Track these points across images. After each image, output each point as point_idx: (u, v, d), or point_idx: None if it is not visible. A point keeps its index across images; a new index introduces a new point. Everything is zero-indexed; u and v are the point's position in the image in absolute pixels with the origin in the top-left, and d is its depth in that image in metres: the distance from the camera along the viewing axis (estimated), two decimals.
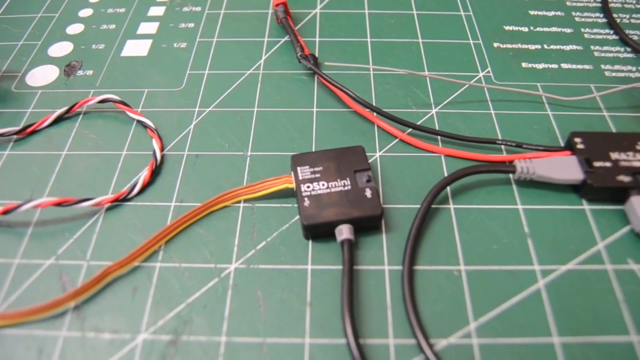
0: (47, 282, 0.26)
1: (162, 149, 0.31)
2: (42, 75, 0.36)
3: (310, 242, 0.27)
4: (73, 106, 0.33)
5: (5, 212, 0.27)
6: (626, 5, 0.42)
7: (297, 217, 0.28)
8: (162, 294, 0.26)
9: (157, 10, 0.42)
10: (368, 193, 0.27)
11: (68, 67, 0.37)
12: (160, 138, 0.32)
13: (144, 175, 0.30)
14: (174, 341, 0.24)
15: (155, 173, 0.30)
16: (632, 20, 0.41)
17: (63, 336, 0.24)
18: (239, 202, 0.29)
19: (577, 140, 0.30)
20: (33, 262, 0.27)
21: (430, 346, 0.23)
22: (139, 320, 0.25)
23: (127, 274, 0.26)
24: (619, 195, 0.29)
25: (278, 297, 0.25)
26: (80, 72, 0.37)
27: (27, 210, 0.28)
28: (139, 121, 0.33)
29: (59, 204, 0.28)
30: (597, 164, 0.29)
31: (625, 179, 0.29)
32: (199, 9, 0.42)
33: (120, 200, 0.29)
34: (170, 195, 0.29)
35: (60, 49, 0.39)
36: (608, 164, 0.29)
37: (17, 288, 0.26)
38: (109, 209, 0.29)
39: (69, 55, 0.38)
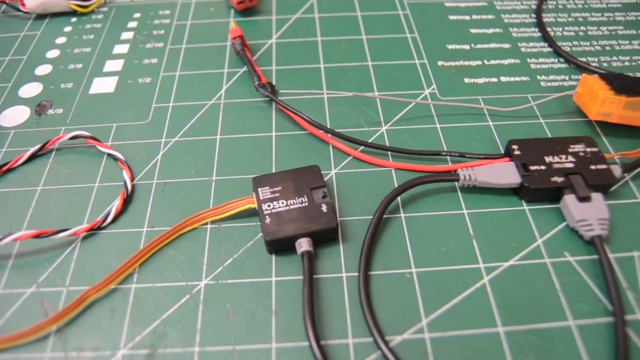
0: (29, 310, 0.28)
1: (132, 179, 0.34)
2: (14, 116, 0.38)
3: (273, 256, 0.30)
4: (45, 144, 0.35)
5: None
6: (559, 19, 0.46)
7: (261, 234, 0.30)
8: (138, 313, 0.28)
9: (121, 48, 0.44)
10: (324, 208, 0.30)
11: (39, 107, 0.39)
12: (130, 169, 0.34)
13: (116, 204, 0.32)
14: (151, 354, 0.26)
15: (127, 202, 0.33)
16: (565, 33, 0.44)
17: (47, 357, 0.26)
18: (206, 223, 0.31)
19: (514, 147, 0.33)
20: (15, 291, 0.29)
21: (386, 343, 0.26)
22: (118, 338, 0.27)
23: (105, 296, 0.28)
24: (554, 194, 0.32)
25: (246, 308, 0.28)
26: (50, 111, 0.39)
27: (7, 243, 0.29)
28: (109, 154, 0.35)
29: (37, 236, 0.30)
30: (532, 167, 0.32)
31: (558, 179, 0.31)
32: (161, 45, 0.44)
33: (95, 229, 0.31)
34: (142, 222, 0.32)
35: (31, 89, 0.41)
36: (543, 167, 0.32)
37: (0, 317, 0.28)
38: (85, 237, 0.31)
39: (39, 96, 0.40)
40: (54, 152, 0.36)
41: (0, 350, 0.26)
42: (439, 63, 0.42)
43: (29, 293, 0.29)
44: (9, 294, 0.29)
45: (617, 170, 0.32)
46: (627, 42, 0.43)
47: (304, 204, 0.30)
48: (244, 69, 0.41)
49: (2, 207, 0.33)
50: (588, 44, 0.43)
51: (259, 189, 0.31)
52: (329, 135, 0.35)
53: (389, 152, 0.35)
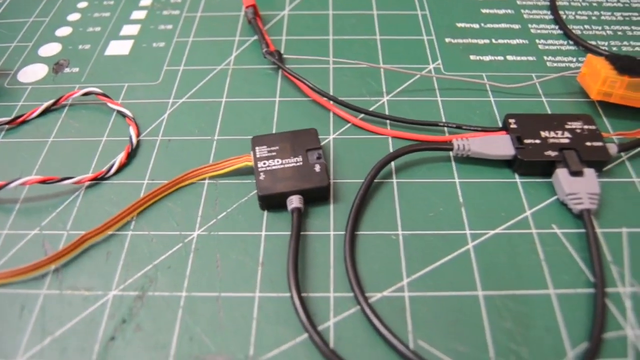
0: (31, 250, 0.29)
1: (138, 135, 0.35)
2: (33, 73, 0.40)
3: (265, 212, 0.31)
4: (59, 99, 0.37)
5: None
6: (573, 3, 0.46)
7: (255, 191, 0.31)
8: (132, 257, 0.29)
9: (139, 14, 0.46)
10: (317, 168, 0.31)
11: (56, 66, 0.41)
12: (137, 125, 0.35)
13: (120, 157, 0.33)
14: (140, 296, 0.27)
15: (132, 156, 0.34)
16: (577, 17, 0.44)
17: (43, 294, 0.28)
18: (204, 179, 0.32)
19: (511, 121, 0.33)
20: (19, 232, 0.30)
21: (365, 298, 0.27)
22: (111, 280, 0.28)
23: (103, 241, 0.30)
24: (548, 169, 0.32)
25: (234, 258, 0.29)
26: (67, 70, 0.40)
27: (16, 187, 0.31)
28: (118, 111, 0.37)
29: (43, 182, 0.31)
30: (527, 141, 0.32)
31: (552, 153, 0.32)
32: (177, 12, 0.46)
33: (99, 179, 0.33)
34: (143, 174, 0.33)
35: (50, 49, 0.43)
36: (537, 141, 0.32)
37: (4, 255, 0.29)
38: (89, 187, 0.32)
39: (58, 55, 0.42)
40: (67, 107, 0.37)
41: (0, 285, 0.28)
42: (447, 40, 0.42)
43: (32, 235, 0.30)
44: (14, 235, 0.30)
45: (612, 148, 0.32)
46: None
47: (298, 164, 0.31)
48: (255, 37, 0.42)
49: (14, 155, 0.34)
50: (600, 28, 0.43)
51: (257, 148, 0.32)
52: (331, 102, 0.36)
53: (388, 121, 0.35)
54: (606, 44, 0.41)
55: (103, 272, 0.28)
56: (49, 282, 0.28)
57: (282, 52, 0.41)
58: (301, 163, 0.31)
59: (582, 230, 0.30)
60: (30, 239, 0.30)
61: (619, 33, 0.43)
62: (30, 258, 0.29)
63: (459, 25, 0.43)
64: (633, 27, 0.43)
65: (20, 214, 0.31)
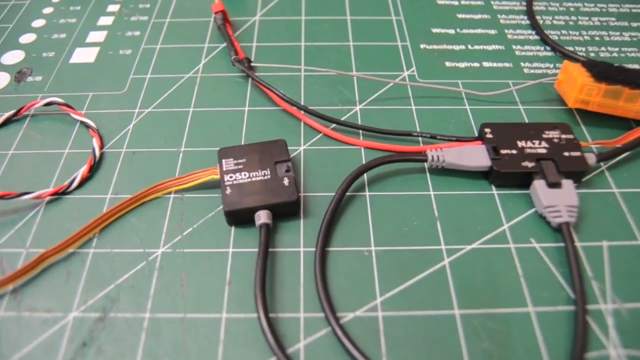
0: None
1: (101, 147, 0.33)
2: None
3: (233, 228, 0.30)
4: (20, 109, 0.35)
5: None
6: (550, 8, 0.45)
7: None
8: (93, 277, 0.28)
9: (106, 20, 0.44)
10: (286, 181, 0.29)
11: (19, 74, 0.39)
12: (100, 137, 0.34)
13: (82, 170, 0.32)
14: (102, 318, 0.26)
15: (94, 169, 0.33)
16: (554, 22, 0.43)
17: (0, 316, 0.26)
18: (170, 193, 0.31)
19: (487, 130, 0.32)
20: None
21: (337, 319, 0.25)
22: (71, 301, 0.27)
23: (63, 259, 0.28)
24: (525, 180, 0.31)
25: (200, 277, 0.28)
26: (30, 79, 0.39)
27: None
28: (82, 122, 0.35)
29: (0, 197, 0.30)
30: (503, 151, 0.31)
31: (529, 164, 0.31)
32: (145, 18, 0.44)
33: (60, 194, 0.31)
34: (107, 189, 0.32)
35: (13, 57, 0.41)
36: (514, 151, 0.31)
37: None
38: (49, 202, 0.31)
39: (21, 63, 0.40)
40: (28, 118, 0.36)
41: None
42: (422, 46, 0.41)
43: None
44: None
45: (591, 158, 0.31)
46: (617, 33, 0.43)
47: (266, 177, 0.30)
48: (225, 44, 0.41)
49: None
50: (577, 33, 0.42)
51: (223, 161, 0.31)
52: (302, 112, 0.35)
53: (360, 131, 0.34)
54: (584, 49, 0.41)
55: (63, 292, 0.27)
56: (7, 304, 0.27)
57: (252, 59, 0.39)
58: (269, 176, 0.30)
59: (562, 245, 0.29)
60: None
61: (597, 38, 0.42)
62: None
63: (435, 30, 0.43)
64: (610, 33, 0.43)
65: None
